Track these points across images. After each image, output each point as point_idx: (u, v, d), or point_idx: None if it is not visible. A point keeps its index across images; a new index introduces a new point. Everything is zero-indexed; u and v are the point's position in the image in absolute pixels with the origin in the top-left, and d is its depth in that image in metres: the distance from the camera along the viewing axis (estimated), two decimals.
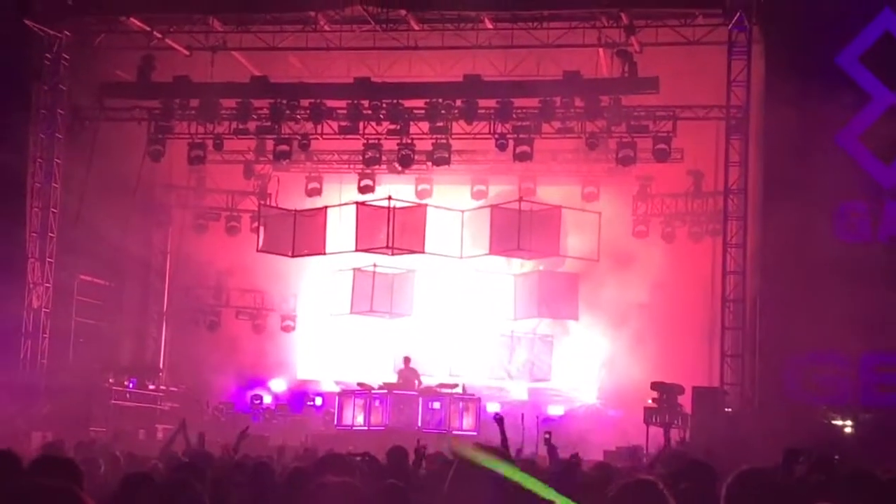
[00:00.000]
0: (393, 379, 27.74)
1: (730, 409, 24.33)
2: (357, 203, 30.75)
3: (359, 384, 27.66)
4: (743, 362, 24.86)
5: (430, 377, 28.13)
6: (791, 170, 23.74)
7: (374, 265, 30.75)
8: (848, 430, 22.83)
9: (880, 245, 23.26)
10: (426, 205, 30.78)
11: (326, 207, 31.23)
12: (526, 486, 4.15)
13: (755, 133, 25.17)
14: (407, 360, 28.10)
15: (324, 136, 29.63)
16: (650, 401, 24.67)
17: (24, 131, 27.38)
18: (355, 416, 27.05)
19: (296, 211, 31.51)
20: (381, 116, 28.57)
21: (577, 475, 9.36)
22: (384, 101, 28.25)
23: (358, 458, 8.93)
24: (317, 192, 32.45)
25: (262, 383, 31.24)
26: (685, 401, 24.29)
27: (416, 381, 27.49)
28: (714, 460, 12.98)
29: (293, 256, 31.73)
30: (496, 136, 28.62)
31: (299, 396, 31.39)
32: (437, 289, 31.41)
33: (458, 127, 28.53)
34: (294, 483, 6.93)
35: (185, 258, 33.16)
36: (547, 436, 8.88)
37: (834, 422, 23.03)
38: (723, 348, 25.25)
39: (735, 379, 24.87)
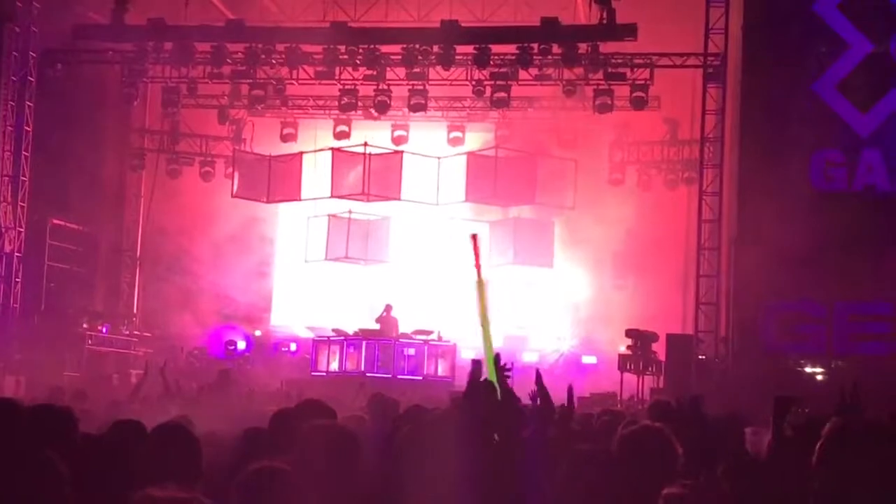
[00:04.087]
0: (368, 326, 27.68)
1: (703, 357, 24.45)
2: (332, 149, 30.67)
3: (334, 330, 27.63)
4: (717, 310, 24.96)
5: (406, 324, 28.06)
6: (767, 118, 23.74)
7: (350, 212, 30.67)
8: (820, 377, 22.96)
9: (856, 194, 23.25)
10: (402, 151, 30.70)
11: (302, 153, 31.16)
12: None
13: (732, 81, 25.11)
14: (389, 307, 28.00)
15: (299, 82, 29.44)
16: (624, 348, 24.80)
17: None
18: (330, 363, 27.03)
19: (271, 157, 31.43)
20: (358, 62, 28.37)
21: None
22: (360, 46, 28.03)
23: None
24: (292, 137, 32.24)
25: (235, 329, 31.15)
26: (659, 348, 24.42)
27: (395, 330, 27.42)
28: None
29: (268, 202, 31.74)
30: (473, 82, 28.51)
31: (274, 342, 31.34)
32: (413, 236, 31.33)
33: (434, 73, 28.36)
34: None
35: (158, 203, 32.94)
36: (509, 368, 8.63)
37: (807, 369, 23.16)
38: (697, 296, 25.32)
39: (709, 327, 24.97)
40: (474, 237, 4.16)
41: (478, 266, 4.16)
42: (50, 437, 5.12)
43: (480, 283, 4.18)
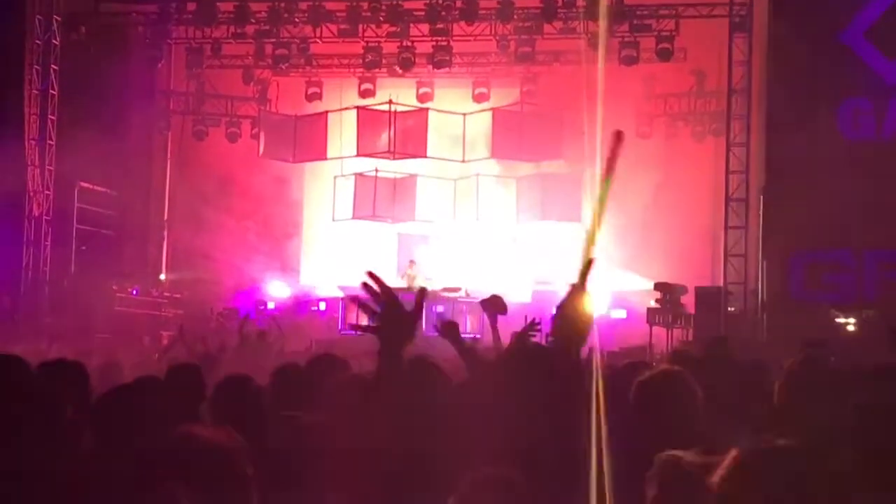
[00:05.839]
0: (395, 283, 27.69)
1: (733, 309, 24.37)
2: (358, 107, 30.61)
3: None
4: (746, 262, 24.86)
5: (430, 281, 28.01)
6: (795, 67, 23.50)
7: (376, 170, 30.63)
8: (851, 327, 22.85)
9: (885, 142, 23.07)
10: (427, 108, 30.63)
11: (327, 112, 31.12)
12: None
13: (759, 31, 24.90)
14: (412, 263, 28.11)
15: (323, 40, 29.38)
16: (653, 301, 24.73)
17: (20, 37, 27.08)
18: (359, 321, 26.86)
19: (296, 116, 31.41)
20: (381, 19, 28.30)
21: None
22: (383, 2, 27.95)
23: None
24: (317, 96, 32.13)
25: (265, 289, 31.21)
26: (688, 301, 24.35)
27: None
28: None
29: (294, 162, 31.74)
30: (497, 37, 28.38)
31: (303, 302, 31.36)
32: (440, 193, 31.26)
33: (458, 29, 28.24)
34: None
35: (185, 164, 32.99)
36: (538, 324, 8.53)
37: (837, 319, 23.04)
38: (726, 248, 25.22)
39: (738, 278, 24.88)
40: (619, 134, 4.10)
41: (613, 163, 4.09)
42: (61, 391, 5.11)
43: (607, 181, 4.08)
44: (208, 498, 2.02)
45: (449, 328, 7.53)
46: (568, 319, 3.61)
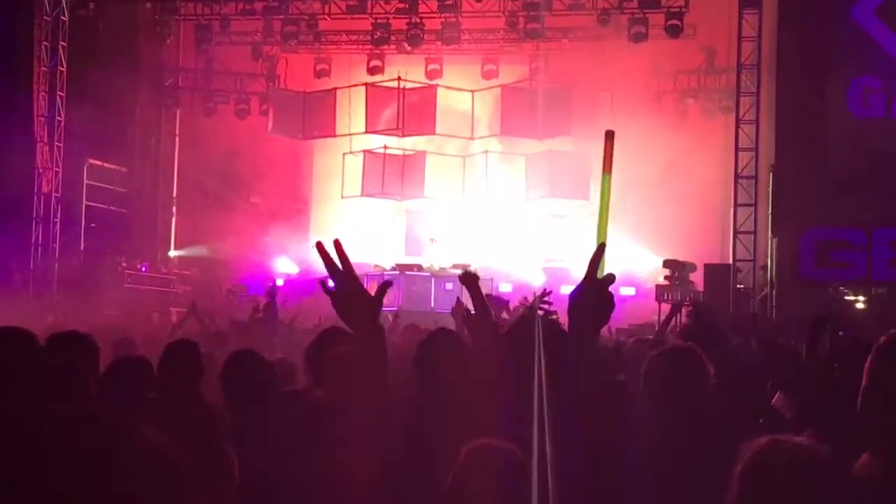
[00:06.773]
0: (403, 260, 27.73)
1: (742, 286, 24.37)
2: (366, 84, 30.58)
3: (374, 266, 27.70)
4: (755, 239, 24.83)
5: (443, 258, 28.03)
6: (805, 44, 23.41)
7: (385, 147, 30.61)
8: (860, 305, 22.81)
9: (894, 121, 22.97)
10: (436, 85, 30.59)
11: (336, 89, 31.09)
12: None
13: (769, 7, 24.79)
14: (432, 240, 28.16)
15: (331, 16, 29.31)
16: (662, 278, 24.73)
17: (29, 14, 27.07)
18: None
19: (305, 93, 31.38)
20: None
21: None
22: None
23: None
24: (326, 73, 32.13)
25: (274, 266, 31.24)
26: (697, 278, 24.34)
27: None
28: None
29: (303, 139, 31.72)
30: (506, 13, 28.29)
31: (312, 279, 31.34)
32: (448, 170, 31.25)
33: (467, 5, 28.15)
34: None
35: (194, 141, 32.96)
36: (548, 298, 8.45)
37: (847, 297, 23.01)
38: (735, 225, 25.19)
39: (748, 256, 24.85)
40: (609, 133, 4.05)
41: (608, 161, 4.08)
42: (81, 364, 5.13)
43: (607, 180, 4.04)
44: None
45: (469, 277, 7.67)
46: (584, 306, 3.58)
